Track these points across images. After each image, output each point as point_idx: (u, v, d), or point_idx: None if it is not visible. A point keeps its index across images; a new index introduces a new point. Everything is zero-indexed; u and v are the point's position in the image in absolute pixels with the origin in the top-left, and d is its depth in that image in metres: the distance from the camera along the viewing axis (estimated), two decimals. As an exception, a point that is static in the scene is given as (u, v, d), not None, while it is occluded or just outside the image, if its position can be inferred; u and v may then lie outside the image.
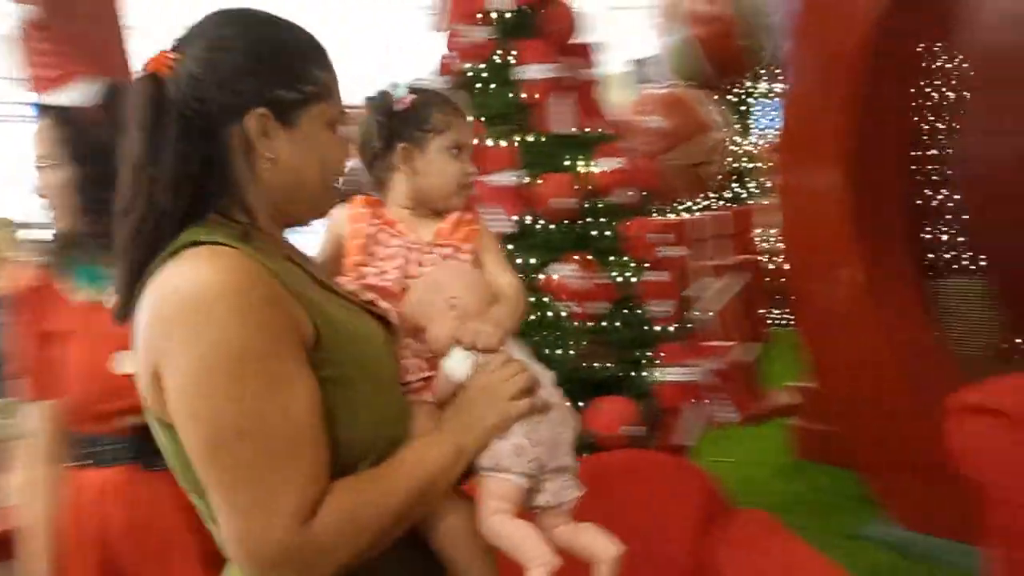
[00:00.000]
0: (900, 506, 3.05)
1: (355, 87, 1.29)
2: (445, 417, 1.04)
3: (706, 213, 6.16)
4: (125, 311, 0.94)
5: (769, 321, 5.73)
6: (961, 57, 3.68)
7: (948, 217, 3.83)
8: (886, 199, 3.34)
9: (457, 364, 1.05)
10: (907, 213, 3.84)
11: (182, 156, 0.94)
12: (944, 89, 3.78)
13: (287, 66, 0.99)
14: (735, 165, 6.61)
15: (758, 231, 6.10)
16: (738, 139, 6.66)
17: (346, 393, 0.95)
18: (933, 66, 3.76)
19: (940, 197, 3.84)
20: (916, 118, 3.79)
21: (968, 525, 2.39)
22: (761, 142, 6.97)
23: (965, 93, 3.66)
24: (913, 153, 3.80)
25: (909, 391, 3.00)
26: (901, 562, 2.90)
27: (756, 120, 7.04)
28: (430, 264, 1.19)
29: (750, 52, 6.18)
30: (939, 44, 3.72)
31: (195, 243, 0.92)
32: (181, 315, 0.87)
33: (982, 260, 3.72)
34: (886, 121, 3.26)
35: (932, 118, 3.79)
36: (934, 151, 3.83)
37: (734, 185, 6.80)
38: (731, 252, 6.19)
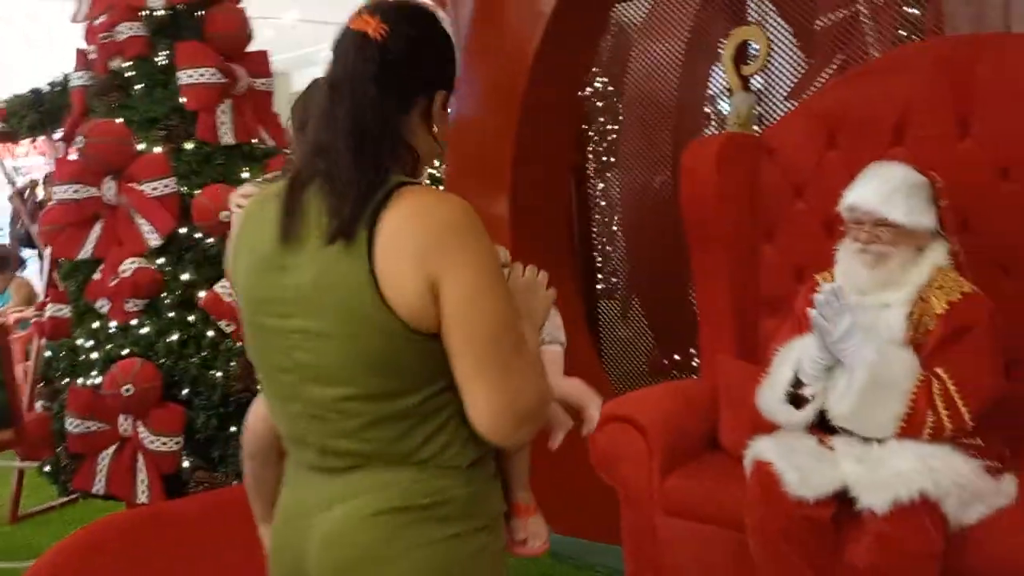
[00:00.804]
0: (550, 510, 3.25)
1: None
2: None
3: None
4: (350, 232, 1.09)
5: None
6: (617, 100, 4.09)
7: (608, 247, 4.22)
8: (552, 226, 3.57)
9: None
10: (574, 240, 4.17)
11: (391, 107, 1.14)
12: (607, 126, 4.17)
13: (455, 62, 1.24)
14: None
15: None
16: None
17: None
18: (599, 105, 4.15)
19: (601, 226, 4.22)
20: (585, 151, 4.15)
21: (611, 527, 2.61)
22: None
23: (616, 131, 4.07)
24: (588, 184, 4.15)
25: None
26: (551, 566, 3.08)
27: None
28: None
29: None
30: (600, 86, 4.12)
31: (402, 184, 1.12)
32: (454, 239, 1.10)
33: (636, 286, 4.13)
34: (549, 152, 3.49)
35: (596, 153, 4.17)
36: (599, 184, 4.21)
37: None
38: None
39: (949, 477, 1.98)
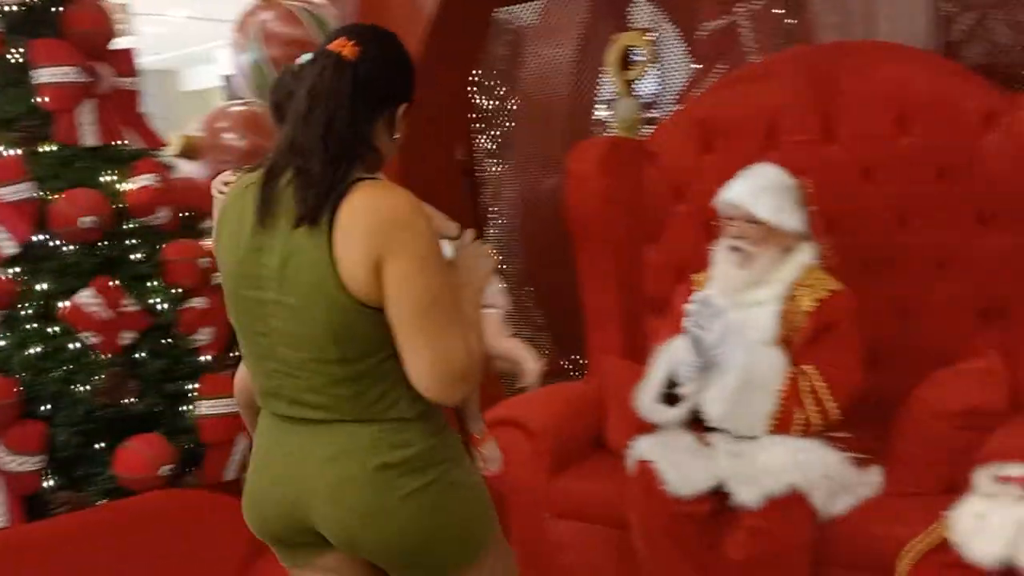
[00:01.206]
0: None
1: None
2: (462, 281, 1.46)
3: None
4: (314, 219, 1.29)
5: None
6: (510, 102, 4.09)
7: (502, 249, 4.21)
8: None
9: (446, 250, 1.48)
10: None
11: (360, 117, 1.35)
12: (500, 128, 4.17)
13: (415, 76, 1.45)
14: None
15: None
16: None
17: None
18: (494, 105, 4.14)
19: (495, 228, 4.22)
20: (477, 153, 4.14)
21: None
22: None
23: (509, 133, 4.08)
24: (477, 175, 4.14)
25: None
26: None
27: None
28: None
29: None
30: (495, 88, 4.11)
31: (361, 179, 1.32)
32: (395, 227, 1.29)
33: (532, 288, 4.14)
34: (438, 153, 3.47)
35: (489, 154, 4.16)
36: (492, 186, 4.20)
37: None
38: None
39: (818, 470, 2.05)
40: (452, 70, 3.53)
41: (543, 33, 3.86)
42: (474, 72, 3.91)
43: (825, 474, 2.06)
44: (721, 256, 2.27)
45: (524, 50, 3.94)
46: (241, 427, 2.60)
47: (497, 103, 4.12)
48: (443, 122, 3.46)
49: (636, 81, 3.27)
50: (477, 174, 4.15)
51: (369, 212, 1.30)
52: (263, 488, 1.46)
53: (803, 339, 2.13)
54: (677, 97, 3.55)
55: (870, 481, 2.16)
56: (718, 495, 2.07)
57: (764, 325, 2.16)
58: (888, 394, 2.35)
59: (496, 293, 1.71)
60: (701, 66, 3.46)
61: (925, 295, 2.40)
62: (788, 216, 2.17)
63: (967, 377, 2.15)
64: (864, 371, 2.14)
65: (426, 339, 1.30)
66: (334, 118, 1.33)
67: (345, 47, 1.36)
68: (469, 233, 1.57)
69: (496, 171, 4.13)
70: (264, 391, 1.45)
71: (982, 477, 1.74)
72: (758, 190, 2.18)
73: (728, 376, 2.05)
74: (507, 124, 4.08)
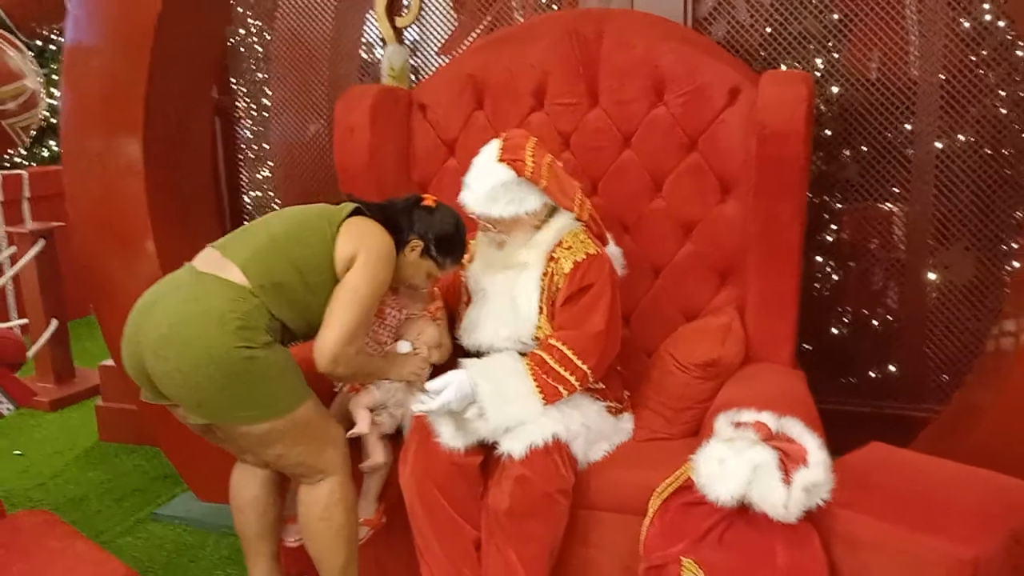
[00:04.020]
0: (197, 479, 3.09)
1: None
2: (394, 358, 2.29)
3: (-1, 173, 5.42)
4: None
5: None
6: (269, 43, 3.85)
7: (258, 195, 4.00)
8: (193, 171, 3.30)
9: (403, 347, 2.31)
10: (220, 186, 3.90)
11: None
12: (259, 70, 3.91)
13: None
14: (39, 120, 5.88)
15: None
16: (42, 90, 5.92)
17: None
18: (251, 46, 3.87)
19: (251, 173, 3.99)
20: (233, 95, 3.87)
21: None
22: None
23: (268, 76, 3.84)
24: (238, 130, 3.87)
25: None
26: (197, 536, 2.93)
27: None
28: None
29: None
30: (253, 28, 3.84)
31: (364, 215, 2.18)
32: (374, 244, 2.09)
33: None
34: (188, 92, 3.20)
35: (247, 96, 3.90)
36: (256, 128, 3.94)
37: (40, 143, 6.07)
38: (31, 217, 5.57)
39: (577, 420, 2.17)
40: (207, 3, 3.25)
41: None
42: (232, 5, 3.65)
43: (584, 424, 2.19)
44: (480, 237, 2.35)
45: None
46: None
47: (255, 41, 3.87)
48: (197, 58, 3.19)
49: (406, 28, 3.20)
50: (235, 115, 3.90)
51: (361, 234, 2.14)
52: None
53: (562, 299, 2.21)
54: (440, 47, 3.53)
55: (624, 429, 2.33)
56: (486, 447, 2.14)
57: (529, 288, 2.23)
58: (640, 348, 2.54)
59: (418, 338, 2.30)
60: (463, 17, 3.46)
61: (673, 257, 2.58)
62: (520, 205, 2.21)
63: (708, 332, 2.36)
64: (617, 328, 2.25)
65: (337, 320, 2.02)
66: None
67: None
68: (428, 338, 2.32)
69: (256, 113, 3.90)
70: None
71: (721, 423, 1.91)
72: (486, 194, 2.22)
73: (486, 411, 2.08)
74: (266, 64, 3.85)
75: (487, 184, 2.22)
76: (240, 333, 1.92)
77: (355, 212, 2.16)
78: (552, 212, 2.29)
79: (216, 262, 2.05)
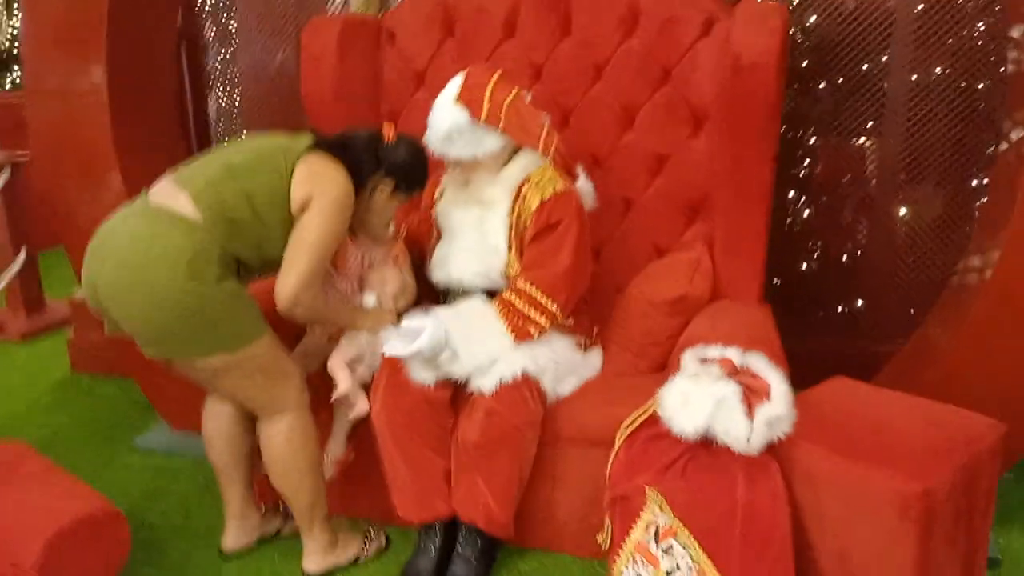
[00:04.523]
0: (171, 409, 3.10)
1: None
2: (364, 310, 2.30)
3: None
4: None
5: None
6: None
7: (226, 124, 3.92)
8: (158, 101, 3.22)
9: (369, 300, 2.32)
10: (187, 116, 3.81)
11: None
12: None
13: None
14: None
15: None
16: (3, 18, 5.73)
17: None
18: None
19: (218, 102, 3.90)
20: (199, 20, 3.75)
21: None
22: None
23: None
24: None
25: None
26: (173, 464, 2.95)
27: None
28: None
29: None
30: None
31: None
32: (330, 189, 2.03)
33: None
34: (152, 18, 3.10)
35: (213, 22, 3.79)
36: (223, 55, 3.84)
37: (1, 72, 5.90)
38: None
39: (546, 356, 2.19)
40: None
41: None
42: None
43: (553, 359, 2.21)
44: (448, 176, 2.35)
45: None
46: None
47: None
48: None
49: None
50: (202, 42, 3.79)
51: (318, 173, 2.07)
52: None
53: (530, 236, 2.21)
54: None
55: (593, 364, 2.36)
56: (456, 382, 2.16)
57: (497, 226, 2.23)
58: (609, 284, 2.55)
59: (384, 291, 2.30)
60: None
61: (644, 192, 2.57)
62: (478, 146, 2.20)
63: (677, 268, 2.37)
64: (586, 264, 2.25)
65: (296, 262, 2.00)
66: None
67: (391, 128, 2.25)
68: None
69: (223, 40, 3.79)
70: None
71: (687, 359, 1.93)
72: (444, 136, 2.20)
73: (455, 347, 2.09)
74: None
75: (443, 127, 2.20)
76: (189, 269, 1.90)
77: (316, 146, 2.10)
78: (519, 148, 2.27)
79: (169, 191, 2.01)
